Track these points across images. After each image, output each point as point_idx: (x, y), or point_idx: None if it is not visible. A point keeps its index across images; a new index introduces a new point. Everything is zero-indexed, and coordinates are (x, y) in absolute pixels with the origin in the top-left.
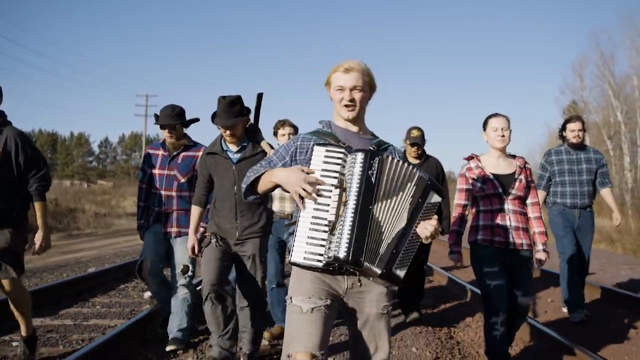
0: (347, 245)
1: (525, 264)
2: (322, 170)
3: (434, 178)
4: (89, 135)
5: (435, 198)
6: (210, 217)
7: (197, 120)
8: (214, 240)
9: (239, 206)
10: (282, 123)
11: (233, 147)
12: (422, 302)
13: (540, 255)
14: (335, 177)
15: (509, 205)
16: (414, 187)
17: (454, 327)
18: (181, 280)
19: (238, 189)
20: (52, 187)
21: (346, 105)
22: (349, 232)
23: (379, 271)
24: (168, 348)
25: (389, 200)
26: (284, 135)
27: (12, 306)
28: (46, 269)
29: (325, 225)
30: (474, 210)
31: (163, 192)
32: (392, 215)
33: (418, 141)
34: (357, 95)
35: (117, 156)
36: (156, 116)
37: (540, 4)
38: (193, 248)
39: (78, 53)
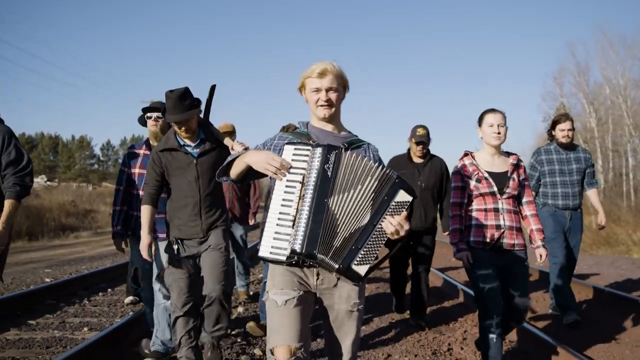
0: (302, 237)
1: (519, 264)
2: (291, 167)
3: (438, 178)
4: (90, 138)
5: (404, 196)
6: (169, 221)
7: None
8: (176, 247)
9: (203, 202)
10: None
11: (190, 142)
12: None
13: (540, 250)
14: (301, 174)
15: (503, 204)
16: (375, 182)
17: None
18: (161, 287)
19: (202, 184)
20: (69, 190)
21: (322, 105)
22: (305, 224)
23: (336, 266)
24: None
25: (346, 194)
26: None
27: None
28: (107, 255)
29: (290, 220)
30: (467, 209)
31: (142, 193)
32: (350, 209)
33: (424, 139)
34: (333, 96)
35: (119, 159)
36: (142, 116)
37: (525, 8)
38: (149, 250)
39: (83, 60)
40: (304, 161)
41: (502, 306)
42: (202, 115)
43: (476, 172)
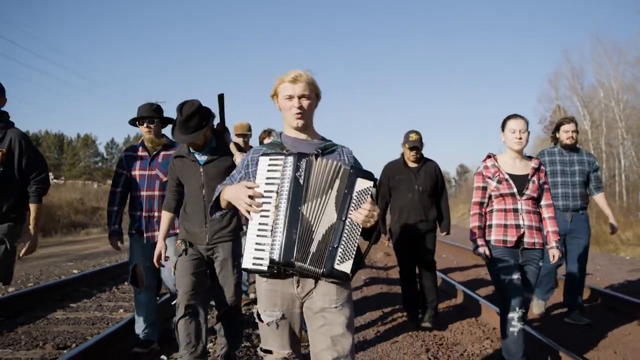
0: (279, 246)
1: (534, 262)
2: (267, 178)
3: (433, 181)
4: (95, 137)
5: (364, 184)
6: (180, 223)
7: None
8: (183, 247)
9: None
10: (267, 133)
11: (199, 150)
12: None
13: (554, 251)
14: (276, 183)
15: (522, 205)
16: (339, 181)
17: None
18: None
19: (206, 191)
20: (76, 188)
21: (297, 113)
22: (281, 233)
23: (319, 270)
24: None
25: (318, 199)
26: None
27: None
28: (122, 250)
29: (269, 230)
30: (488, 209)
31: (145, 193)
32: (321, 213)
33: (417, 144)
34: (305, 103)
35: None
36: (131, 122)
37: (522, 12)
38: (159, 256)
39: (86, 59)
40: (277, 171)
41: (523, 302)
42: (217, 124)
43: (497, 174)
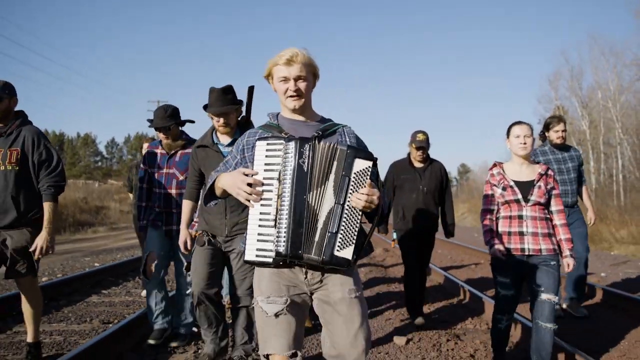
0: (285, 239)
1: (546, 264)
2: (265, 164)
3: (439, 182)
4: (95, 136)
5: (362, 164)
6: (199, 214)
7: (192, 121)
8: (205, 239)
9: (229, 201)
10: None
11: (225, 140)
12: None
13: (568, 260)
14: (277, 170)
15: (527, 211)
16: (337, 163)
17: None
18: (187, 276)
19: None
20: (78, 187)
21: (292, 96)
22: (286, 224)
23: (319, 258)
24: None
25: (323, 186)
26: None
27: (23, 307)
28: (134, 246)
29: (272, 220)
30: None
31: (162, 191)
32: (323, 199)
33: (424, 144)
34: (302, 85)
35: (123, 156)
36: (150, 121)
37: (524, 13)
38: (185, 244)
39: (86, 58)
40: (277, 156)
41: (513, 310)
42: (241, 116)
43: (502, 181)
